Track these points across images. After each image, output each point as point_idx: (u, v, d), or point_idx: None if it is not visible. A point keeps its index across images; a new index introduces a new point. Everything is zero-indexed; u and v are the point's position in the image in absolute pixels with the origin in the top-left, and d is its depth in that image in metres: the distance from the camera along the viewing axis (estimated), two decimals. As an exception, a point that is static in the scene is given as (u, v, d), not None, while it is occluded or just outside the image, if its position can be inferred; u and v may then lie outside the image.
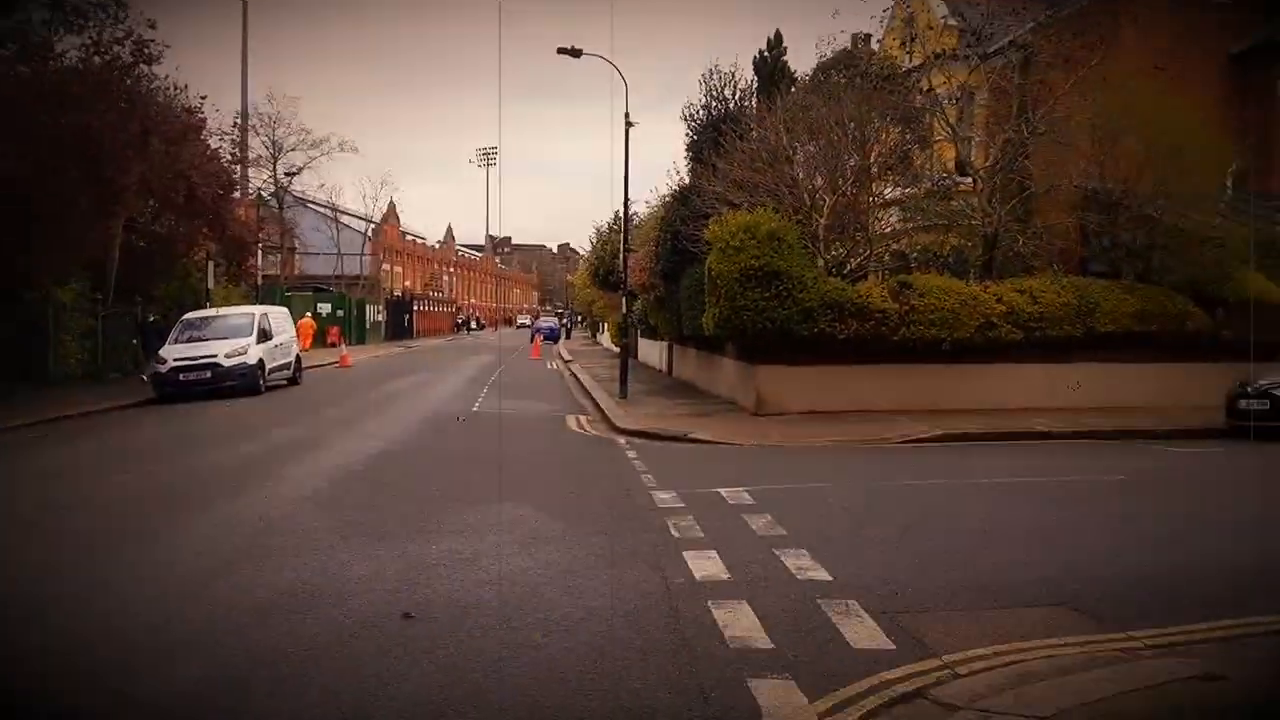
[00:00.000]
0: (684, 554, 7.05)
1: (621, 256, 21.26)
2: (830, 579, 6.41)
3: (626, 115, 20.13)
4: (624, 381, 20.43)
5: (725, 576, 6.49)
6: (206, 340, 21.88)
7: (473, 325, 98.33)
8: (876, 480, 10.57)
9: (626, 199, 20.73)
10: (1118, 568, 6.80)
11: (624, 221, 21.34)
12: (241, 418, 17.55)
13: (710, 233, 17.17)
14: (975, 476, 10.68)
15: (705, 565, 6.75)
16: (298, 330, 40.65)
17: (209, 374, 21.03)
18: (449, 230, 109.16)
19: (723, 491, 9.44)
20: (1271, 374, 14.63)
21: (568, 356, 41.44)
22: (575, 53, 19.94)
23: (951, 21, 19.92)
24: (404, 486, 10.33)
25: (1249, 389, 14.53)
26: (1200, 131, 18.62)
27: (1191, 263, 17.94)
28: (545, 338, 62.76)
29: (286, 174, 49.78)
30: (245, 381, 21.39)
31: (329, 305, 48.70)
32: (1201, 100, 21.42)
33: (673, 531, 7.81)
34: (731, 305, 16.17)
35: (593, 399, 20.89)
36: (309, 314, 42.60)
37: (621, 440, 14.45)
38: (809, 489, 9.89)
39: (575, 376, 28.81)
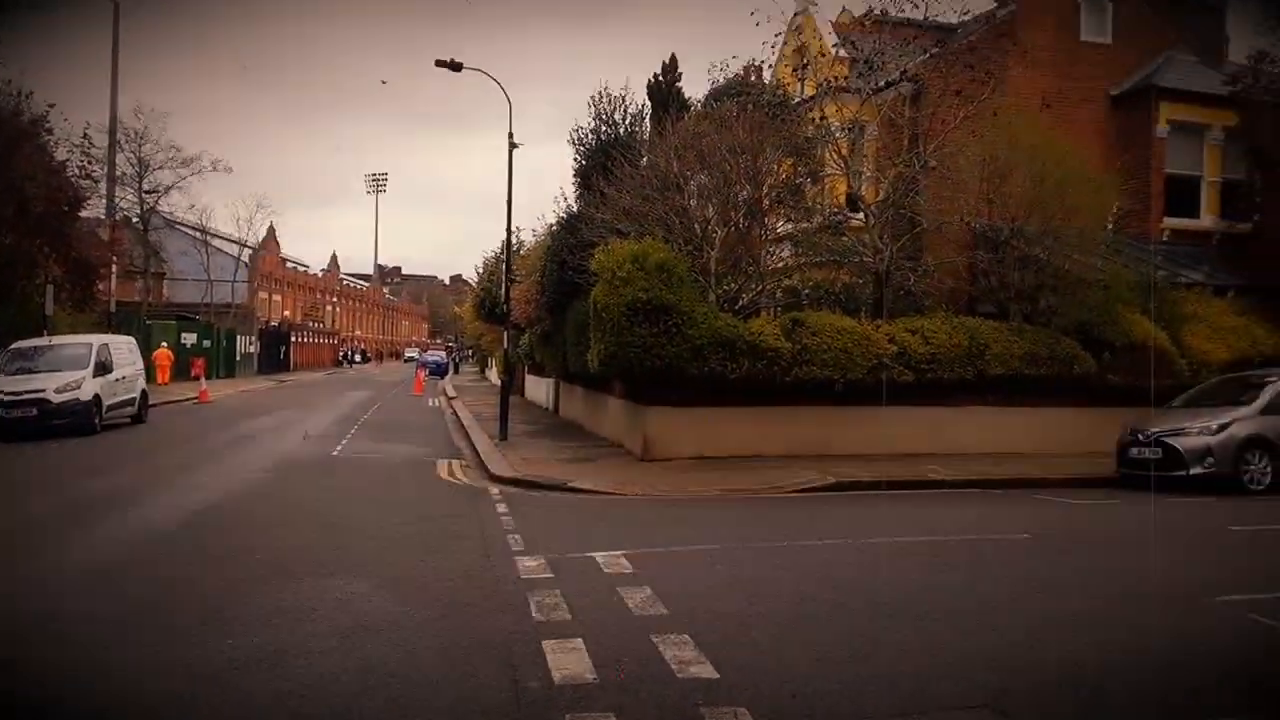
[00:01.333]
0: (544, 644, 5.84)
1: (504, 287, 19.99)
2: (716, 677, 5.31)
3: (510, 136, 18.99)
4: (504, 422, 19.11)
5: (590, 677, 5.31)
6: (37, 373, 19.56)
7: (356, 358, 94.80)
8: (769, 540, 9.57)
9: (510, 226, 19.56)
10: (1043, 654, 5.90)
11: (507, 250, 20.13)
12: (58, 464, 15.52)
13: (596, 262, 16.12)
14: (874, 534, 9.80)
15: (568, 661, 5.55)
16: (154, 362, 37.96)
17: (35, 411, 18.76)
18: (334, 258, 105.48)
19: (599, 557, 8.27)
20: (1162, 420, 14.39)
21: (452, 393, 39.69)
22: (455, 66, 18.72)
23: (842, 52, 19.57)
24: (220, 553, 8.78)
25: (1140, 436, 14.24)
26: (1085, 172, 18.68)
27: (1078, 305, 17.80)
28: (431, 372, 60.60)
29: (148, 192, 46.74)
30: (77, 420, 19.16)
31: (194, 335, 45.63)
32: (1086, 141, 21.73)
33: (535, 613, 6.59)
34: (618, 341, 15.12)
35: (470, 441, 19.49)
36: (165, 344, 39.70)
37: (495, 490, 13.13)
38: (695, 552, 8.81)
39: (456, 415, 27.29)
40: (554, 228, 21.30)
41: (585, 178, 20.46)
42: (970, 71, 18.69)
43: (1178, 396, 15.65)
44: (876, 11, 18.67)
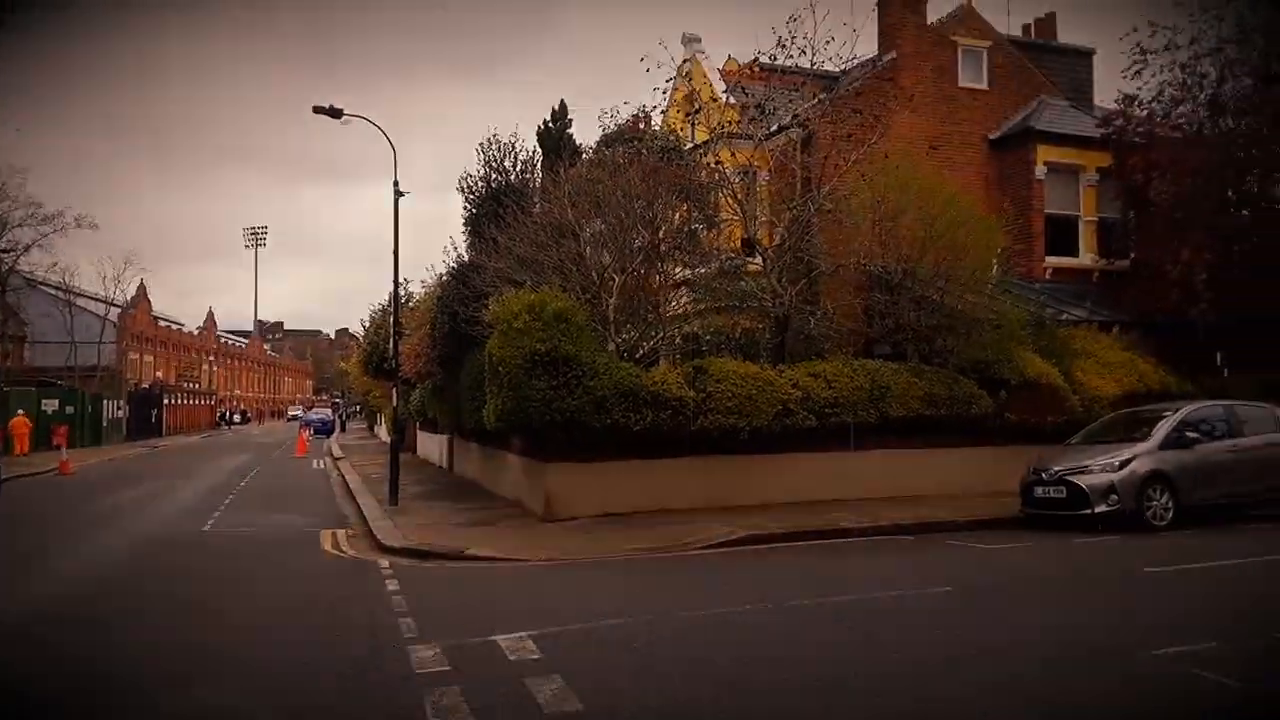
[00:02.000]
0: (443, 763, 5.01)
1: (392, 341, 18.96)
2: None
3: (395, 184, 18.05)
4: (394, 485, 17.98)
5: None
6: None
7: (235, 419, 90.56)
8: (684, 608, 8.88)
9: (396, 276, 18.56)
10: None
11: (395, 301, 19.09)
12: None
13: (491, 313, 15.39)
14: (791, 595, 9.21)
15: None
16: (10, 432, 35.08)
17: None
18: (210, 315, 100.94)
19: (502, 641, 7.43)
20: (1063, 458, 14.40)
21: (338, 453, 37.92)
22: (335, 112, 17.77)
23: (732, 99, 19.50)
24: (51, 660, 7.54)
25: (1044, 475, 14.20)
26: (973, 213, 18.98)
27: (974, 344, 17.92)
28: (316, 431, 58.13)
29: (5, 251, 43.70)
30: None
31: (56, 401, 42.53)
32: (969, 183, 22.24)
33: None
34: (515, 395, 14.35)
35: (358, 506, 18.26)
36: (21, 412, 36.82)
37: (385, 563, 12.08)
38: (606, 629, 8.05)
39: (343, 477, 25.84)
40: (444, 278, 20.43)
41: (476, 226, 19.74)
42: (858, 116, 18.87)
43: (1076, 433, 15.76)
44: (766, 57, 18.66)
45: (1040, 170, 23.22)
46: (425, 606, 9.06)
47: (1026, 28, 28.04)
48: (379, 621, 8.55)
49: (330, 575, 11.55)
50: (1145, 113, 22.23)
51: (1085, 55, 27.19)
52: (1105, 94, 26.38)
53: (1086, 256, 23.66)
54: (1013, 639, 7.52)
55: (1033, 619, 8.25)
